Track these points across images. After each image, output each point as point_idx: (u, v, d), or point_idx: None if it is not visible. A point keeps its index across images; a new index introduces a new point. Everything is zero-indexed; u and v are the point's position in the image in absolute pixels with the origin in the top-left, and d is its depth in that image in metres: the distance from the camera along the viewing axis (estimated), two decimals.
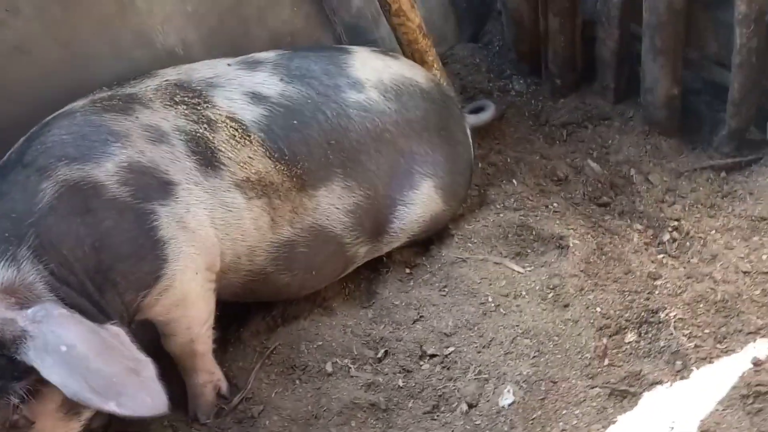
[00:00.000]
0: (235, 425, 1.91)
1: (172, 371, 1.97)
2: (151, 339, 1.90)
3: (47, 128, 1.68)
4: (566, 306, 1.93)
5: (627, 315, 1.88)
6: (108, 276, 1.61)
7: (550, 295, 1.97)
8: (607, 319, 1.87)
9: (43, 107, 1.83)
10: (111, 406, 1.32)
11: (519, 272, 2.08)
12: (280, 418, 1.88)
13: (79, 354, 1.35)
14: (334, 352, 2.00)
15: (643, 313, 1.87)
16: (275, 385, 1.97)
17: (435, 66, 2.42)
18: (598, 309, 1.89)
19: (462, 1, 2.87)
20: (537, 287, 2.00)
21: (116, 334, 1.45)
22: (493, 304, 1.99)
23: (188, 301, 1.78)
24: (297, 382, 1.98)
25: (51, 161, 1.60)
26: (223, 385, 1.99)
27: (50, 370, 1.33)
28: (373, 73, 2.09)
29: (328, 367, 1.97)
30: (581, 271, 2.01)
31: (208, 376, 1.95)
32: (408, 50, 2.37)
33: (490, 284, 2.05)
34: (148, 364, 1.44)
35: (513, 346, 1.87)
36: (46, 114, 1.79)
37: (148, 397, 1.37)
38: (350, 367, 1.97)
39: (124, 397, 1.34)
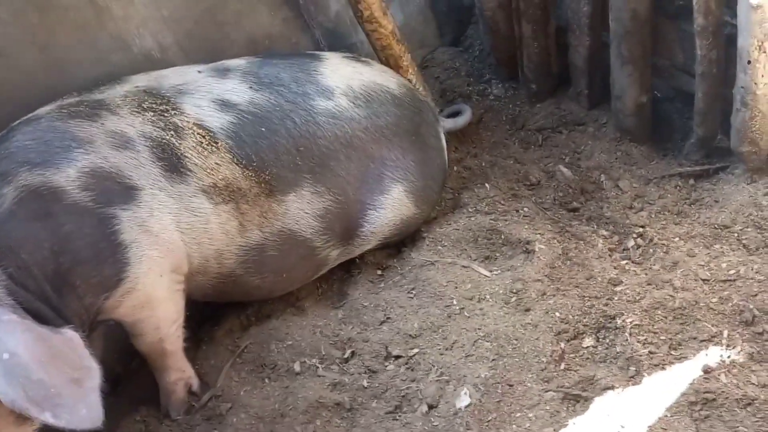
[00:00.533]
0: (204, 422, 1.96)
1: (146, 369, 2.02)
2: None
3: (11, 133, 1.72)
4: (527, 310, 1.97)
5: (585, 320, 1.91)
6: (67, 279, 1.65)
7: (513, 299, 2.01)
8: (566, 323, 1.91)
9: (20, 110, 1.87)
10: (47, 417, 1.35)
11: (485, 276, 2.12)
12: (247, 416, 1.92)
13: (20, 362, 1.37)
14: (303, 352, 2.05)
15: (601, 319, 1.91)
16: (244, 384, 2.02)
17: (410, 71, 2.45)
18: (558, 314, 1.93)
19: (442, 6, 2.89)
20: (501, 291, 2.04)
21: (69, 339, 1.48)
22: (457, 307, 2.03)
23: (154, 302, 1.83)
24: (266, 380, 2.02)
25: (12, 167, 1.64)
26: (194, 383, 2.03)
27: None
28: (342, 80, 2.12)
29: (297, 367, 2.02)
30: (545, 275, 2.05)
31: (179, 374, 2.00)
32: (382, 55, 2.41)
33: (456, 287, 2.09)
34: (94, 372, 1.47)
35: (474, 349, 1.91)
36: (22, 115, 1.83)
37: (84, 409, 1.39)
38: (318, 367, 2.01)
39: (60, 408, 1.36)
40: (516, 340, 1.89)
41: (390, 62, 2.41)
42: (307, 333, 2.10)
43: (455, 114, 2.61)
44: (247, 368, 2.06)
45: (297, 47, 2.50)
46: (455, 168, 2.56)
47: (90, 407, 1.40)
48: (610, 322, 1.89)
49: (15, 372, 1.36)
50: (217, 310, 2.22)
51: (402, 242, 2.32)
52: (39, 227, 1.62)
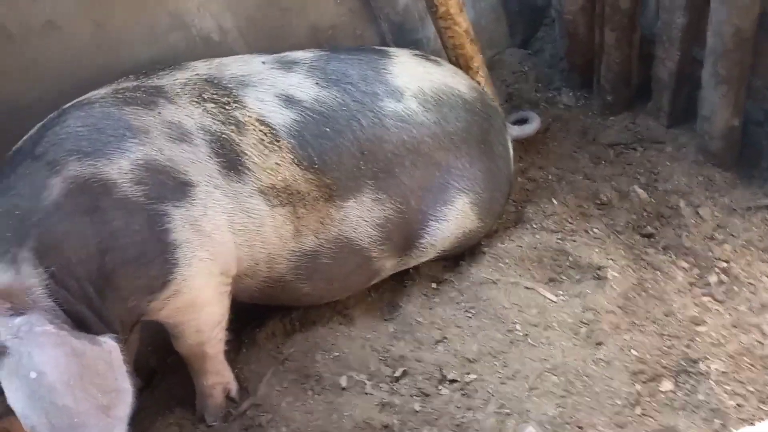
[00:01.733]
0: None
1: (183, 366, 1.91)
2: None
3: (63, 118, 1.60)
4: (599, 344, 1.82)
5: (665, 361, 1.76)
6: (111, 280, 1.53)
7: (583, 330, 1.86)
8: (643, 363, 1.75)
9: (71, 87, 1.77)
10: None
11: (551, 301, 1.97)
12: (288, 430, 1.80)
13: (47, 384, 1.26)
14: (351, 366, 1.92)
15: (682, 362, 1.75)
16: (286, 394, 1.90)
17: (480, 73, 2.30)
18: (634, 351, 1.77)
19: (514, 5, 2.73)
20: (570, 320, 1.89)
21: (107, 352, 1.36)
22: (521, 333, 1.89)
23: (199, 304, 1.71)
24: (309, 393, 1.90)
25: (62, 155, 1.53)
26: (233, 388, 1.93)
27: (14, 396, 1.25)
28: (413, 81, 1.98)
29: (343, 381, 1.89)
30: (618, 307, 1.90)
31: (218, 378, 1.89)
32: (452, 55, 2.26)
33: (520, 311, 1.94)
34: (125, 397, 1.34)
35: (539, 382, 1.76)
36: (73, 94, 1.72)
37: None
38: (366, 384, 1.89)
39: None
40: (587, 376, 1.74)
41: (460, 62, 2.26)
42: (356, 346, 1.97)
43: (522, 121, 2.45)
44: (290, 378, 1.94)
45: (361, 40, 2.37)
46: (519, 179, 2.41)
47: None
48: (691, 366, 1.73)
49: (40, 394, 1.24)
50: (260, 311, 2.10)
51: (460, 255, 2.18)
52: (86, 222, 1.50)
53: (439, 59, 2.17)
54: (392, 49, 2.12)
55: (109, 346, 1.37)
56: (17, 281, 1.40)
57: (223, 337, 1.88)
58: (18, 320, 1.32)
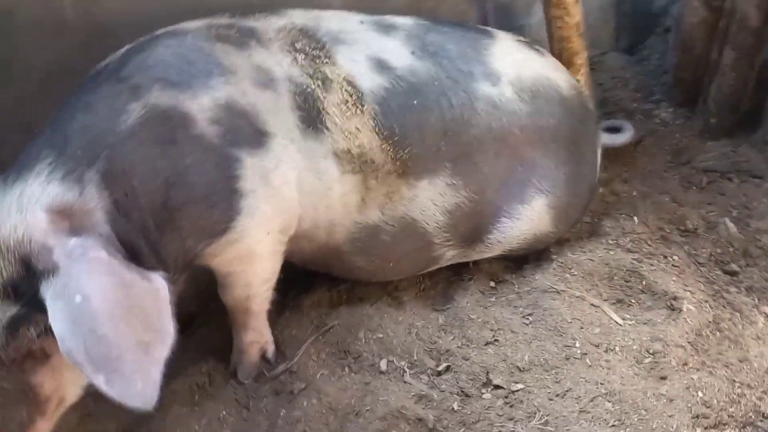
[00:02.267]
0: (272, 396, 1.79)
1: (223, 316, 1.87)
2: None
3: (154, 44, 1.56)
4: (663, 378, 1.69)
5: (732, 410, 1.62)
6: (173, 217, 1.48)
7: (647, 361, 1.73)
8: (708, 407, 1.61)
9: (164, 18, 1.70)
10: (99, 380, 1.19)
11: (617, 323, 1.84)
12: (319, 403, 1.74)
13: (90, 311, 1.21)
14: (393, 350, 1.84)
15: (751, 414, 1.61)
16: (323, 367, 1.83)
17: (582, 71, 2.18)
18: (700, 393, 1.64)
19: (626, 7, 2.58)
20: (634, 347, 1.76)
21: (156, 290, 1.31)
22: (579, 351, 1.77)
23: (253, 258, 1.65)
24: (346, 369, 1.83)
25: (147, 82, 1.48)
26: (270, 349, 1.87)
27: (56, 317, 1.21)
28: (512, 67, 1.86)
29: (383, 365, 1.81)
30: (689, 342, 1.76)
31: (257, 336, 1.84)
32: (557, 47, 2.14)
33: (582, 328, 1.82)
34: (166, 338, 1.29)
35: (591, 406, 1.64)
36: (163, 20, 1.67)
37: (140, 382, 1.22)
38: (406, 372, 1.80)
39: (116, 375, 1.20)
40: (645, 410, 1.61)
41: (563, 56, 2.14)
42: (402, 330, 1.89)
43: (614, 130, 2.31)
44: (329, 350, 1.87)
45: (462, 16, 2.27)
46: (600, 189, 2.27)
47: (147, 383, 1.23)
48: (761, 421, 1.59)
49: (82, 320, 1.20)
50: (308, 277, 2.03)
51: (525, 257, 2.07)
52: (158, 154, 1.45)
53: (542, 49, 2.04)
54: (496, 31, 2.00)
55: (158, 283, 1.32)
56: (80, 202, 1.36)
57: (269, 297, 1.82)
58: (73, 241, 1.28)
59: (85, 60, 1.60)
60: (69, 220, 1.32)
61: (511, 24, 2.31)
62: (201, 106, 1.50)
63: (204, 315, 2.07)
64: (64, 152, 1.39)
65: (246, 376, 1.83)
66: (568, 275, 1.98)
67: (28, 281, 1.26)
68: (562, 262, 2.01)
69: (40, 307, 1.24)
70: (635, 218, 2.15)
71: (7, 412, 1.32)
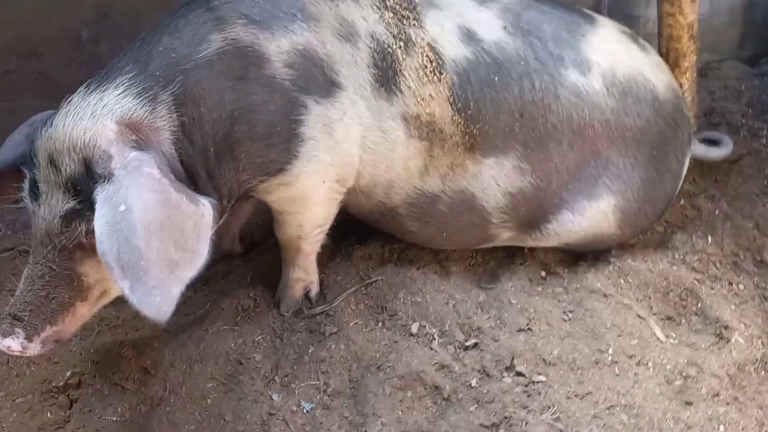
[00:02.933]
0: (305, 332, 1.88)
1: (279, 250, 1.96)
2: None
3: None
4: (688, 404, 1.63)
5: None
6: (233, 149, 1.55)
7: (678, 383, 1.68)
8: None
9: None
10: (124, 285, 1.27)
11: (658, 339, 1.79)
12: (347, 349, 1.81)
13: (129, 221, 1.29)
14: (427, 316, 1.87)
15: None
16: (358, 316, 1.90)
17: (687, 75, 2.06)
18: (722, 428, 1.57)
19: (758, 15, 2.39)
20: (668, 366, 1.71)
21: (200, 214, 1.38)
22: (610, 358, 1.73)
23: (306, 202, 1.71)
24: (379, 324, 1.88)
25: (231, 15, 1.53)
26: (314, 289, 1.95)
27: (99, 220, 1.30)
28: (608, 58, 1.79)
29: (414, 328, 1.85)
30: (728, 375, 1.68)
31: (303, 274, 1.92)
32: (665, 46, 2.03)
33: (619, 336, 1.78)
34: (196, 261, 1.35)
35: (607, 414, 1.62)
36: None
37: (159, 297, 1.29)
38: (435, 339, 1.83)
39: (139, 284, 1.27)
40: (659, 430, 1.57)
41: (669, 57, 2.03)
42: (440, 299, 1.91)
43: (712, 142, 2.18)
44: (367, 302, 1.93)
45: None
46: (681, 201, 2.17)
47: (165, 298, 1.30)
48: None
49: (120, 227, 1.28)
50: (364, 230, 2.08)
51: (582, 253, 2.03)
52: (229, 87, 1.52)
53: (647, 45, 1.95)
54: (601, 18, 1.92)
55: (204, 209, 1.39)
56: (149, 119, 1.45)
57: (321, 240, 1.89)
58: (133, 154, 1.37)
59: None
60: (136, 134, 1.42)
61: (626, 13, 2.20)
62: (278, 48, 1.55)
63: (264, 245, 2.18)
64: (145, 70, 1.48)
65: (286, 309, 1.93)
66: (621, 281, 1.93)
67: (86, 182, 1.37)
68: (619, 267, 1.96)
69: (92, 207, 1.34)
70: (710, 238, 2.05)
71: (52, 291, 1.45)
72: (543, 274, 2.00)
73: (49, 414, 1.70)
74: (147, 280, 1.28)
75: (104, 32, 2.14)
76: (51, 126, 1.43)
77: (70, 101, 1.47)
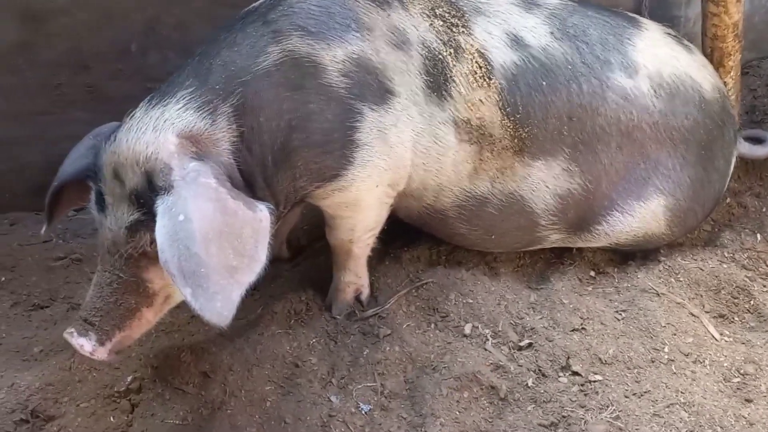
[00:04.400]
0: (359, 335, 1.90)
1: (328, 254, 1.98)
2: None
3: None
4: (748, 401, 1.64)
5: None
6: (290, 156, 1.59)
7: (736, 381, 1.68)
8: None
9: None
10: (186, 292, 1.31)
11: (713, 337, 1.79)
12: (401, 351, 1.83)
13: (188, 230, 1.32)
14: (480, 317, 1.89)
15: None
16: (410, 318, 1.92)
17: (732, 74, 2.07)
18: None
19: None
20: (725, 364, 1.72)
21: (258, 219, 1.41)
22: (666, 357, 1.74)
23: (360, 206, 1.74)
24: (432, 326, 1.90)
25: (288, 27, 1.57)
26: (365, 292, 1.98)
27: (160, 230, 1.34)
28: (654, 61, 1.81)
29: (467, 328, 1.87)
30: None
31: (354, 278, 1.95)
32: (709, 45, 2.04)
33: (674, 334, 1.79)
34: (255, 267, 1.38)
35: (666, 412, 1.63)
36: None
37: (220, 302, 1.32)
38: (488, 339, 1.85)
39: (200, 290, 1.31)
40: (721, 427, 1.58)
41: (713, 56, 2.04)
42: (492, 300, 1.93)
43: (756, 140, 2.18)
44: (419, 304, 1.95)
45: (615, 1, 2.19)
46: (728, 200, 2.18)
47: (226, 303, 1.33)
48: None
49: (180, 236, 1.32)
50: (412, 233, 2.11)
51: (631, 253, 2.03)
52: (287, 97, 1.56)
53: (691, 46, 1.96)
54: (645, 21, 1.94)
55: (261, 214, 1.42)
56: (209, 131, 1.49)
57: (371, 244, 1.92)
58: (192, 165, 1.41)
59: None
60: (196, 146, 1.46)
61: (666, 14, 2.21)
62: (334, 57, 1.59)
63: (313, 248, 2.21)
64: (205, 83, 1.52)
65: (338, 312, 1.95)
66: (672, 279, 1.94)
67: (149, 193, 1.42)
68: (669, 266, 1.97)
69: (155, 218, 1.38)
70: (758, 235, 2.06)
71: (119, 297, 1.50)
72: (592, 273, 2.02)
73: (112, 418, 1.74)
74: (208, 287, 1.31)
75: (152, 45, 2.18)
76: (115, 141, 1.48)
77: (133, 116, 1.52)
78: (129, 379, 1.79)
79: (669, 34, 1.93)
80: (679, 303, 1.86)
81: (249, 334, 1.90)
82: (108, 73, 2.21)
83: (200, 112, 1.49)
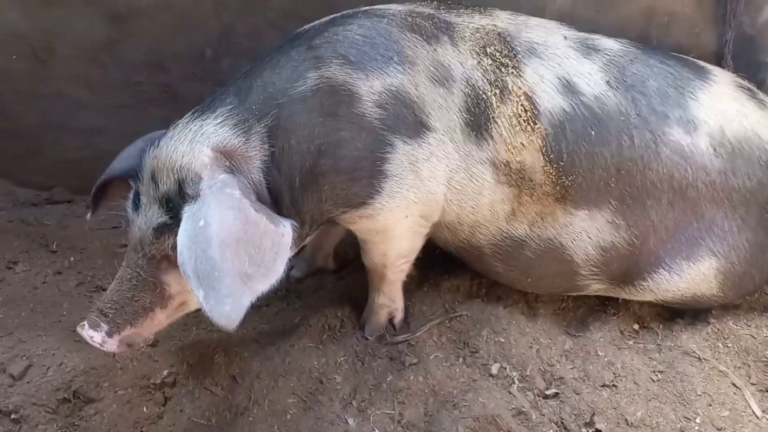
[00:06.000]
0: (386, 359, 1.91)
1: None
2: None
3: (351, 20, 1.66)
4: None
5: None
6: (317, 180, 1.61)
7: None
8: None
9: None
10: (198, 294, 1.36)
11: (754, 414, 1.69)
12: (425, 382, 1.83)
13: (206, 234, 1.38)
14: (509, 358, 1.86)
15: None
16: (439, 349, 1.91)
17: None
18: None
19: None
20: None
21: (279, 234, 1.45)
22: (696, 428, 1.66)
23: (390, 234, 1.75)
24: (459, 360, 1.89)
25: (330, 55, 1.59)
26: (398, 317, 1.99)
27: (181, 234, 1.40)
28: (717, 118, 1.71)
29: (494, 368, 1.85)
30: None
31: (388, 301, 1.96)
32: None
33: (710, 405, 1.70)
34: (270, 277, 1.41)
35: None
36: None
37: (229, 306, 1.36)
38: (514, 383, 1.82)
39: (213, 292, 1.36)
40: None
41: None
42: (524, 342, 1.89)
43: None
44: (450, 336, 1.94)
45: (696, 40, 2.07)
46: None
47: (235, 307, 1.37)
48: None
49: (198, 240, 1.38)
50: (455, 261, 2.08)
51: (679, 310, 1.94)
52: (319, 122, 1.58)
53: (766, 100, 1.83)
54: (715, 71, 1.82)
55: (284, 229, 1.46)
56: (243, 148, 1.55)
57: (406, 270, 1.93)
58: (221, 177, 1.47)
59: None
60: (229, 160, 1.52)
61: (752, 59, 2.06)
62: (371, 88, 1.59)
63: (357, 263, 2.23)
64: (244, 102, 1.57)
65: (370, 333, 1.97)
66: (720, 344, 1.84)
67: (179, 200, 1.49)
68: (718, 329, 1.87)
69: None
70: None
71: (136, 294, 1.58)
72: (636, 327, 1.94)
73: (145, 409, 1.83)
74: (220, 289, 1.36)
75: (225, 51, 2.25)
76: (157, 146, 1.57)
77: (176, 126, 1.60)
78: (165, 372, 1.88)
79: (742, 87, 1.80)
80: (722, 371, 1.76)
81: (281, 343, 1.95)
82: (183, 75, 2.31)
83: (236, 130, 1.55)
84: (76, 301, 2.13)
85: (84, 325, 1.57)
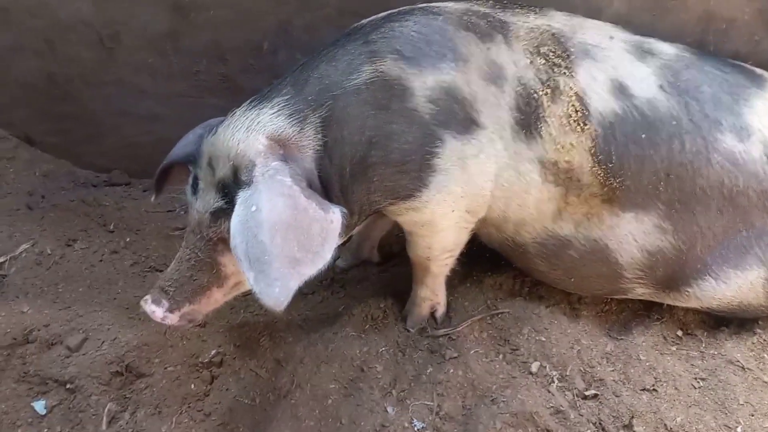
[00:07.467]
0: (426, 352, 1.94)
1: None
2: None
3: (407, 17, 1.69)
4: None
5: None
6: (367, 171, 1.64)
7: None
8: None
9: None
10: (249, 276, 1.40)
11: None
12: (464, 377, 1.85)
13: (257, 219, 1.42)
14: (549, 357, 1.87)
15: None
16: (479, 345, 1.93)
17: None
18: None
19: None
20: None
21: (329, 221, 1.48)
22: None
23: (435, 227, 1.77)
24: (499, 356, 1.91)
25: (385, 50, 1.62)
26: (440, 310, 2.02)
27: (234, 219, 1.45)
28: None
29: (534, 367, 1.86)
30: None
31: (431, 294, 1.99)
32: None
33: (752, 415, 1.68)
34: (317, 262, 1.44)
35: None
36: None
37: (278, 289, 1.40)
38: (554, 382, 1.83)
39: (262, 275, 1.39)
40: None
41: None
42: (565, 342, 1.90)
43: None
44: (490, 332, 1.96)
45: (754, 47, 2.05)
46: None
47: (283, 290, 1.41)
48: None
49: (249, 225, 1.42)
50: (499, 259, 2.10)
51: (724, 318, 1.92)
52: (371, 115, 1.61)
53: None
54: None
55: (333, 216, 1.49)
56: (297, 137, 1.59)
57: (450, 264, 1.94)
58: (274, 164, 1.51)
59: None
60: (283, 149, 1.56)
61: None
62: (423, 83, 1.62)
63: (401, 257, 2.26)
64: (300, 93, 1.62)
65: (412, 325, 2.00)
66: (765, 355, 1.82)
67: (234, 185, 1.54)
68: (764, 340, 1.85)
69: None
70: None
71: (194, 274, 1.65)
72: (679, 333, 1.93)
73: (192, 386, 1.90)
74: (269, 273, 1.40)
75: (282, 44, 2.31)
76: (215, 133, 1.62)
77: (234, 114, 1.65)
78: (213, 352, 1.95)
79: None
80: (766, 382, 1.74)
81: (325, 331, 2.00)
82: (241, 67, 2.38)
83: (291, 119, 1.59)
84: (130, 279, 2.21)
85: (147, 299, 1.65)
